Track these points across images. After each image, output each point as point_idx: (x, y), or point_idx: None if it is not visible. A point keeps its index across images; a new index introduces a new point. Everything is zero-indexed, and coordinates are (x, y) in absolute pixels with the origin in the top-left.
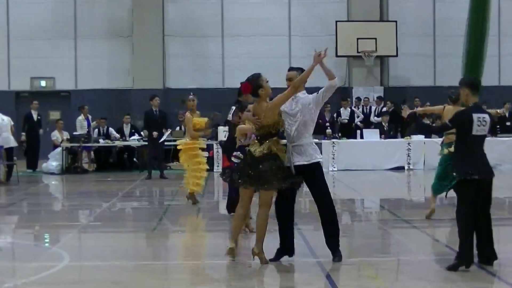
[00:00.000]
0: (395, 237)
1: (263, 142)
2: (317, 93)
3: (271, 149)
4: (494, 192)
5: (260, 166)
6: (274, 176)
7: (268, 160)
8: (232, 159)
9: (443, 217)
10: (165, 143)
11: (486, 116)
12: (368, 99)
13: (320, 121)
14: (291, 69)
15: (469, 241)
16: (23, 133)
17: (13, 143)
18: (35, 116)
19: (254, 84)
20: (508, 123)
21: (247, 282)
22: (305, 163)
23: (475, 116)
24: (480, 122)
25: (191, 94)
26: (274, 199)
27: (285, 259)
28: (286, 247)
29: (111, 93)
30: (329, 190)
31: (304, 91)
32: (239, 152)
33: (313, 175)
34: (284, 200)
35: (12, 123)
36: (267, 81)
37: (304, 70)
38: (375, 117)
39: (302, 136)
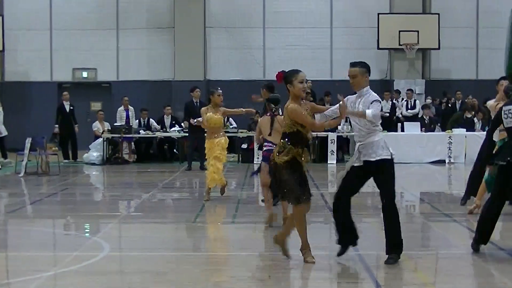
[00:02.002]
0: (436, 231)
1: (284, 145)
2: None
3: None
4: None
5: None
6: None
7: (288, 168)
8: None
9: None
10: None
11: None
12: (412, 91)
13: None
14: (353, 64)
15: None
16: (56, 125)
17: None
18: (67, 107)
19: (286, 76)
20: None
21: (287, 273)
22: (372, 159)
23: (505, 108)
24: (507, 115)
25: (218, 89)
26: None
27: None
28: (349, 238)
29: (152, 85)
30: (394, 189)
31: (368, 87)
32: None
33: (378, 172)
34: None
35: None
36: (302, 81)
37: (366, 64)
38: (409, 110)
39: (369, 134)
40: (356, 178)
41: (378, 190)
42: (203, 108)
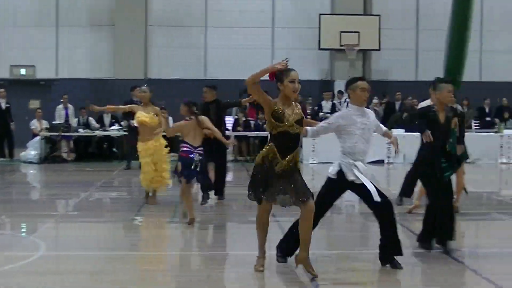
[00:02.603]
0: (375, 231)
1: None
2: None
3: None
4: (473, 187)
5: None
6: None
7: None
8: None
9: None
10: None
11: None
12: None
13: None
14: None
15: None
16: None
17: None
18: (3, 105)
19: (278, 75)
20: (488, 119)
21: (227, 273)
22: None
23: None
24: None
25: (145, 85)
26: None
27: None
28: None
29: (92, 83)
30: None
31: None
32: None
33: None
34: None
35: None
36: (293, 81)
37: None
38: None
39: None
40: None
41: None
42: (132, 106)
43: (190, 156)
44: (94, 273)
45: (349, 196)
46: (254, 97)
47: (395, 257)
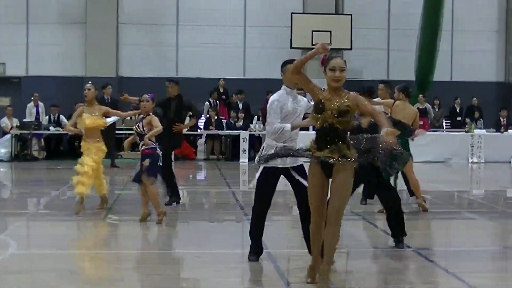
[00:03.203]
0: (345, 229)
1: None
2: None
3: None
4: (444, 185)
5: None
6: None
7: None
8: None
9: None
10: (117, 131)
11: None
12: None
13: None
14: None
15: None
16: None
17: None
18: None
19: (325, 61)
20: (459, 118)
21: (200, 271)
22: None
23: None
24: None
25: (89, 82)
26: None
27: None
28: None
29: (63, 80)
30: None
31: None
32: None
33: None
34: None
35: None
36: (333, 69)
37: None
38: None
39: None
40: None
41: (292, 189)
42: (79, 107)
43: (157, 152)
44: (67, 271)
45: None
46: (301, 86)
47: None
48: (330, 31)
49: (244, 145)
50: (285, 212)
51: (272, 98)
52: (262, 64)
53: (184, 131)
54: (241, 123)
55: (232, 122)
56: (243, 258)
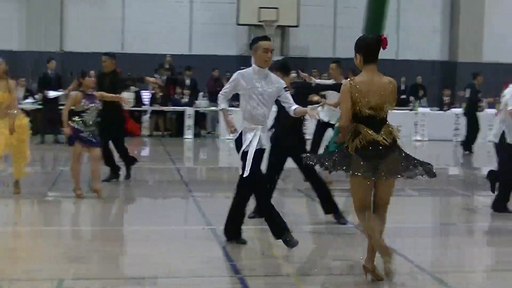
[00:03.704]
0: (289, 207)
1: None
2: (284, 92)
3: None
4: None
5: None
6: None
7: None
8: None
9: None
10: (60, 107)
11: None
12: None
13: (219, 89)
14: None
15: None
16: None
17: None
18: None
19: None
20: (403, 96)
21: (141, 248)
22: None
23: None
24: None
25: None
26: None
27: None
28: None
29: (3, 55)
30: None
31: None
32: None
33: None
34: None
35: None
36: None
37: None
38: None
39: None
40: None
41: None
42: None
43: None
44: (10, 249)
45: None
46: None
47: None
48: (277, 8)
49: (189, 122)
50: (231, 188)
51: (238, 71)
52: (209, 41)
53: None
54: (186, 100)
55: (178, 98)
56: (188, 235)
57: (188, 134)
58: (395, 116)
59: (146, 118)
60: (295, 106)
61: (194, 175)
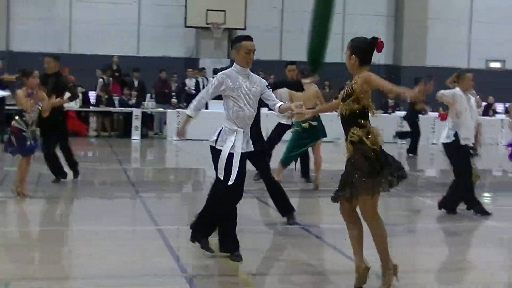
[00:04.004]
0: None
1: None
2: (267, 90)
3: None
4: (333, 165)
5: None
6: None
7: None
8: None
9: None
10: (6, 107)
11: None
12: (217, 69)
13: (166, 90)
14: None
15: None
16: None
17: None
18: None
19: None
20: None
21: (89, 247)
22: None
23: None
24: None
25: None
26: None
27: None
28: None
29: None
30: None
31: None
32: None
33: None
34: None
35: None
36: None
37: None
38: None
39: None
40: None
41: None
42: None
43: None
44: None
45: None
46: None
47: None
48: (225, 11)
49: (136, 123)
50: (178, 189)
51: (219, 73)
52: (156, 42)
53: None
54: (134, 101)
55: (125, 99)
56: (134, 235)
57: (135, 135)
58: (337, 119)
59: (93, 118)
60: (279, 103)
61: (141, 176)
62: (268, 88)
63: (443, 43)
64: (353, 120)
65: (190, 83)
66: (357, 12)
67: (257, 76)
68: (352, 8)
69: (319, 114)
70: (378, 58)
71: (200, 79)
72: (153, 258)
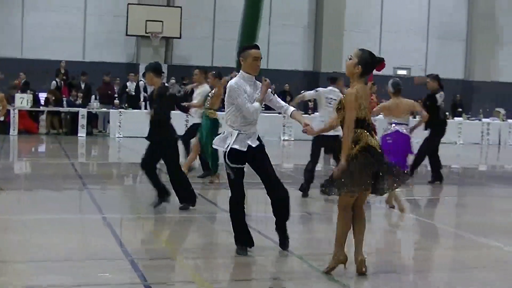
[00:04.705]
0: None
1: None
2: (273, 96)
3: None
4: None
5: None
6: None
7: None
8: None
9: None
10: None
11: None
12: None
13: (109, 92)
14: None
15: None
16: None
17: None
18: None
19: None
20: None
21: (22, 238)
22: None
23: None
24: None
25: None
26: None
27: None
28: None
29: None
30: None
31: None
32: None
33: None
34: None
35: None
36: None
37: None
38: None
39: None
40: None
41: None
42: None
43: None
44: None
45: None
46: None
47: None
48: (162, 21)
49: (82, 121)
50: (121, 182)
51: (231, 84)
52: (101, 48)
53: None
54: (80, 101)
55: (73, 100)
56: (81, 222)
57: (82, 133)
58: (266, 119)
59: (43, 117)
60: (291, 108)
61: (87, 170)
62: (273, 94)
63: None
64: None
65: (131, 86)
66: (280, 22)
67: (260, 83)
68: (276, 19)
69: None
70: (298, 65)
71: (141, 83)
72: (99, 243)
